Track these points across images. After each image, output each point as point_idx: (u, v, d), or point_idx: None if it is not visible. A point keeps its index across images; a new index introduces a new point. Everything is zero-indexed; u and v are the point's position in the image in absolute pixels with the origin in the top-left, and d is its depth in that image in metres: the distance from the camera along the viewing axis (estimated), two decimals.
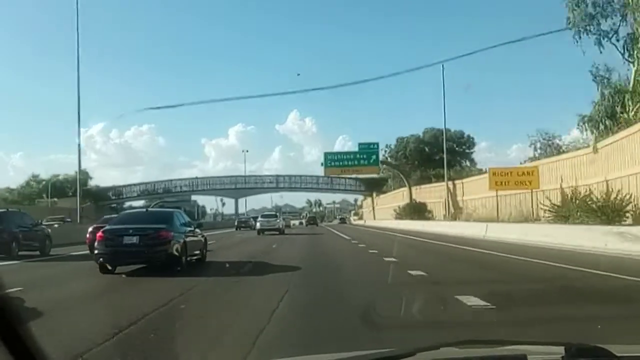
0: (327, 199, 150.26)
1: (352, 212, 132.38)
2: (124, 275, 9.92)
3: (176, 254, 10.15)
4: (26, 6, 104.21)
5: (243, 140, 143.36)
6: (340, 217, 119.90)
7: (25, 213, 19.09)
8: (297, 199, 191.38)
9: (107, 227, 10.60)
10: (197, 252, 11.86)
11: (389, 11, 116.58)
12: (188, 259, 10.96)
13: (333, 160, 53.56)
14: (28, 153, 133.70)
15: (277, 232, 31.44)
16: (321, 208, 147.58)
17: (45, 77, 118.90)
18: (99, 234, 10.23)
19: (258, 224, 34.08)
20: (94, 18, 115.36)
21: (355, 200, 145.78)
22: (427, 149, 66.18)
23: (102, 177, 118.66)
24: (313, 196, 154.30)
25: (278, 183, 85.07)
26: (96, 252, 9.81)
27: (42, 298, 7.35)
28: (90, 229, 14.07)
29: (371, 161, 53.04)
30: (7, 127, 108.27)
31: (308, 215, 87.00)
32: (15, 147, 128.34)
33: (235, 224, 49.75)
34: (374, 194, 75.78)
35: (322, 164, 50.90)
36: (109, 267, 10.29)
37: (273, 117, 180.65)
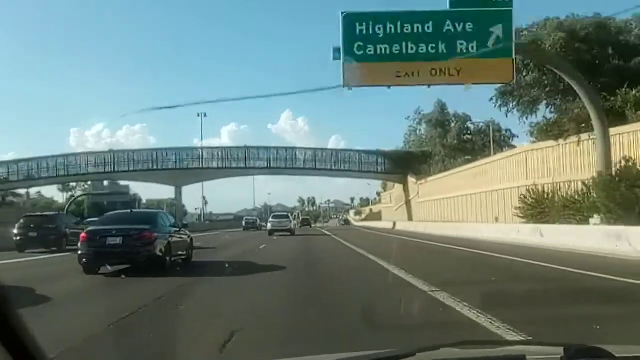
0: (323, 193, 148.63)
1: (352, 211, 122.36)
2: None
3: (160, 254, 11.96)
4: (25, 6, 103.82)
5: (236, 140, 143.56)
6: (341, 217, 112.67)
7: (71, 215, 25.54)
8: (288, 197, 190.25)
9: (91, 228, 10.82)
10: (183, 252, 13.54)
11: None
12: (173, 259, 12.49)
13: (371, 41, 19.52)
14: (20, 153, 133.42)
15: (289, 233, 33.90)
16: (314, 207, 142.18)
17: (42, 78, 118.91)
18: (82, 234, 10.55)
19: (269, 225, 35.91)
20: (92, 18, 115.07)
21: (352, 200, 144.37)
22: (583, 49, 31.83)
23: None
24: (307, 185, 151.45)
25: (249, 160, 53.85)
26: (79, 252, 10.12)
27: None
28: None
29: (492, 43, 19.48)
30: None
31: (301, 215, 79.65)
32: (6, 147, 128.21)
33: (243, 224, 56.28)
34: (412, 179, 49.53)
35: (336, 55, 19.54)
36: (110, 267, 11.33)
37: (266, 116, 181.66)
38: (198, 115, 60.74)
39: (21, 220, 21.16)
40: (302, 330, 5.62)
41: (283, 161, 53.78)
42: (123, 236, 11.28)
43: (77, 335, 5.54)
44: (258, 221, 58.60)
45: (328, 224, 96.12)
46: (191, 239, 14.35)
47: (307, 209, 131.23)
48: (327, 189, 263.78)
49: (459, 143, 51.79)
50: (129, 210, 12.01)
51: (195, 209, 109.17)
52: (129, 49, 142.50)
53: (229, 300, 8.04)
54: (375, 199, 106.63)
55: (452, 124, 54.51)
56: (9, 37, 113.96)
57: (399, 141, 66.27)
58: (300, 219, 68.32)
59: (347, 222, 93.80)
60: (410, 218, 49.20)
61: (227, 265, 12.64)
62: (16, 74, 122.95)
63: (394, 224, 47.29)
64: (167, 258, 11.84)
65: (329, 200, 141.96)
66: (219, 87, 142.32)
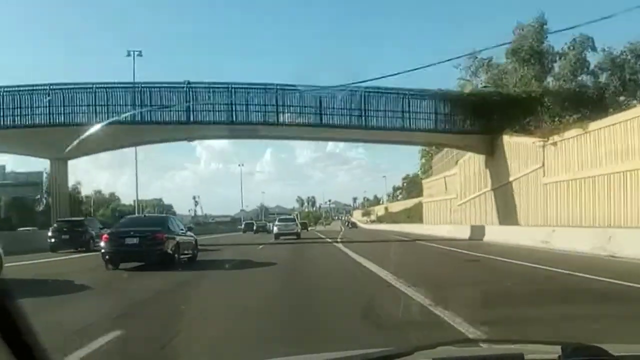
0: (323, 194, 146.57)
1: (357, 212, 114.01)
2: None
3: (170, 252, 12.75)
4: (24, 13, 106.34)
5: (234, 142, 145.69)
6: (344, 218, 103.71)
7: (96, 219, 29.94)
8: (287, 198, 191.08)
9: (112, 229, 13.02)
10: (189, 251, 15.71)
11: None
12: (181, 257, 14.70)
13: None
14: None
15: (295, 237, 32.84)
16: (314, 208, 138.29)
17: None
18: (105, 235, 12.73)
19: (275, 229, 34.71)
20: (90, 16, 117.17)
21: (355, 199, 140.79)
22: None
23: (93, 179, 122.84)
24: (305, 185, 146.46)
25: (198, 112, 29.09)
26: (102, 251, 12.25)
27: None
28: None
29: None
30: None
31: (299, 217, 76.60)
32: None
33: (253, 228, 56.00)
34: (528, 138, 26.15)
35: None
36: (111, 266, 13.52)
37: None
38: (128, 55, 37.52)
39: (55, 225, 24.30)
40: None
41: (258, 116, 28.78)
42: (139, 237, 13.55)
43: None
44: (268, 225, 57.70)
45: (330, 226, 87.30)
46: (196, 241, 16.68)
47: (306, 210, 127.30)
48: (326, 189, 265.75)
49: (572, 87, 30.48)
50: (143, 215, 14.21)
51: (189, 210, 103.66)
52: (127, 48, 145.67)
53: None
54: (394, 194, 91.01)
55: (556, 62, 32.10)
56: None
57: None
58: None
59: (354, 224, 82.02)
60: (504, 218, 27.75)
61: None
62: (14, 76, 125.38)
63: (476, 230, 26.99)
64: (176, 256, 14.09)
65: (329, 200, 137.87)
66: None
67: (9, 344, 1.26)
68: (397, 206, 73.21)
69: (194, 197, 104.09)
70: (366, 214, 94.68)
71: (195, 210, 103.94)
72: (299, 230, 35.89)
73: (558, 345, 1.54)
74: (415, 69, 27.48)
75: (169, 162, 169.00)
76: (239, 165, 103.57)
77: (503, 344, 1.96)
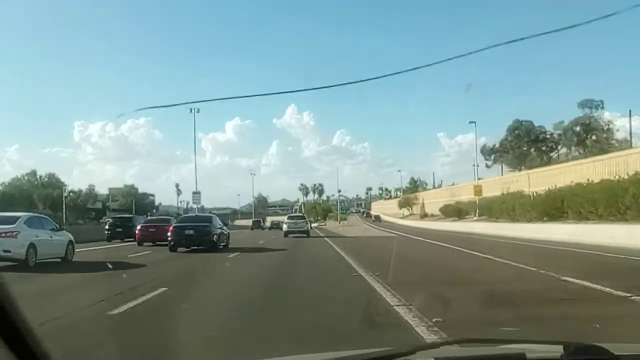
0: (334, 180, 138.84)
1: (375, 204, 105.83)
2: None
3: (215, 241, 18.78)
4: (28, 6, 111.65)
5: (240, 134, 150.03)
6: (364, 211, 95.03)
7: (139, 216, 35.99)
8: (291, 192, 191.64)
9: (175, 224, 18.93)
10: (225, 241, 20.96)
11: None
12: (220, 244, 19.41)
13: None
14: (23, 146, 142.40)
15: (305, 235, 33.81)
16: (321, 198, 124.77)
17: (44, 76, 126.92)
18: (170, 227, 18.71)
19: (285, 226, 35.58)
20: (94, 15, 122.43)
21: (369, 190, 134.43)
22: None
23: (98, 172, 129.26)
24: (310, 178, 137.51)
25: None
26: (169, 238, 18.08)
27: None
28: (138, 227, 25.27)
29: None
30: (1, 121, 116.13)
31: (303, 211, 70.32)
32: (10, 140, 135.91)
33: (269, 225, 57.99)
34: None
35: None
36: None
37: (271, 111, 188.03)
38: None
39: (110, 220, 31.16)
40: None
41: None
42: (194, 229, 19.97)
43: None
44: (281, 223, 58.17)
45: (347, 222, 73.15)
46: (229, 233, 23.12)
47: (312, 201, 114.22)
48: (333, 183, 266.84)
49: None
50: (194, 214, 20.13)
51: (181, 202, 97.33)
52: (130, 46, 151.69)
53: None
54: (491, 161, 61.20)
55: None
56: (10, 35, 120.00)
57: None
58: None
59: (377, 217, 72.91)
60: None
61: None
62: (20, 71, 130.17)
63: None
64: (218, 243, 20.36)
65: (339, 191, 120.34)
66: (218, 82, 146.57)
67: (8, 344, 1.29)
68: (513, 180, 41.61)
69: (177, 185, 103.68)
70: (405, 204, 66.84)
71: (186, 202, 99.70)
72: (308, 228, 36.66)
73: (560, 344, 1.59)
74: (415, 69, 28.45)
75: (174, 155, 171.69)
76: (190, 110, 60.49)
77: (505, 343, 2.00)
